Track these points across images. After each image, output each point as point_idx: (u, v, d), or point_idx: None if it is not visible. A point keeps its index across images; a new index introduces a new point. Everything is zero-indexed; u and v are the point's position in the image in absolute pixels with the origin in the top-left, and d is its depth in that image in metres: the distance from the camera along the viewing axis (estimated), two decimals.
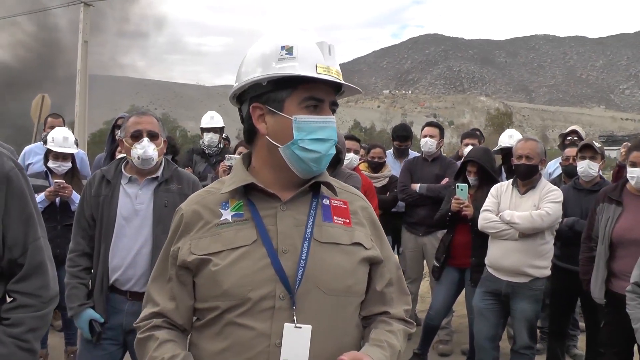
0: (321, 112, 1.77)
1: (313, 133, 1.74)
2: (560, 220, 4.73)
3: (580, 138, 6.83)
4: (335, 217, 1.83)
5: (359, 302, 1.84)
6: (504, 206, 4.67)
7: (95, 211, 3.37)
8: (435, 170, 6.19)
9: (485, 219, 4.68)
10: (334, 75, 1.76)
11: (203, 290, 1.75)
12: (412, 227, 6.26)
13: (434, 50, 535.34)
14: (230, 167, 5.10)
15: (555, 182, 5.78)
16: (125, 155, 3.48)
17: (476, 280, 4.92)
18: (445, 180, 6.05)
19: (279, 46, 1.75)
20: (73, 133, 5.57)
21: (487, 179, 5.15)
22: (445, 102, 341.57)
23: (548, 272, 4.63)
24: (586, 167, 5.08)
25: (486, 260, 4.75)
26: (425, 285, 7.49)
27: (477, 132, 7.58)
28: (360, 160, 6.32)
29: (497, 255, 4.64)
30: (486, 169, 5.14)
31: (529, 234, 4.50)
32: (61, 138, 5.16)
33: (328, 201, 1.85)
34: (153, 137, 3.39)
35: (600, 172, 5.26)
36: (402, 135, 6.96)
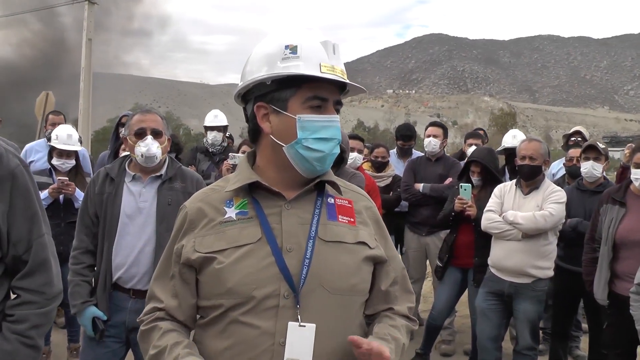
0: (325, 111, 1.77)
1: (317, 132, 1.74)
2: (564, 221, 4.73)
3: (584, 139, 6.82)
4: (339, 216, 1.83)
5: (363, 301, 1.84)
6: (507, 206, 4.66)
7: (99, 209, 3.37)
8: (439, 170, 6.19)
9: (489, 219, 4.67)
10: (339, 74, 1.76)
11: (207, 288, 1.76)
12: (415, 226, 6.25)
13: (437, 50, 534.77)
14: (233, 166, 5.10)
15: (559, 182, 5.77)
16: (129, 153, 3.48)
17: (479, 281, 4.92)
18: (448, 180, 6.04)
19: (283, 45, 1.76)
20: (77, 130, 5.57)
21: (490, 179, 5.14)
22: (449, 102, 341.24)
23: (551, 273, 4.62)
24: (590, 168, 5.07)
25: (489, 261, 4.75)
26: (427, 285, 7.48)
27: (481, 132, 7.57)
28: (363, 159, 6.32)
29: (500, 255, 4.64)
30: (490, 169, 5.13)
31: (532, 235, 4.49)
32: (65, 135, 5.17)
33: (333, 200, 1.86)
34: (157, 135, 3.39)
35: (604, 173, 5.25)
36: (406, 135, 6.95)
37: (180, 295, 1.81)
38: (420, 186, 6.08)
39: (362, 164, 6.21)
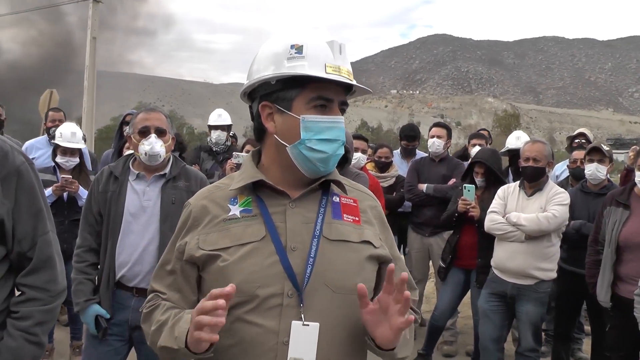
0: (330, 112, 1.76)
1: (321, 133, 1.74)
2: (567, 223, 4.72)
3: (588, 141, 6.80)
4: (344, 215, 1.82)
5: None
6: (511, 208, 4.66)
7: (103, 207, 3.38)
8: (442, 171, 6.19)
9: (492, 221, 4.67)
10: (344, 75, 1.75)
11: (211, 286, 1.75)
12: (418, 227, 6.25)
13: (442, 50, 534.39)
14: (237, 165, 5.11)
15: (563, 184, 5.76)
16: (133, 151, 3.49)
17: (482, 282, 4.92)
18: (452, 181, 6.04)
19: (289, 45, 1.75)
20: (80, 128, 5.58)
21: (494, 181, 5.14)
22: (453, 103, 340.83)
23: (554, 275, 4.62)
24: (594, 170, 5.06)
25: (492, 262, 4.75)
26: (430, 285, 7.48)
27: (486, 133, 7.56)
28: (367, 159, 6.32)
29: (503, 257, 4.64)
30: (493, 170, 5.13)
31: (535, 236, 4.49)
32: (69, 133, 5.18)
33: (338, 199, 1.85)
34: (161, 133, 3.39)
35: (608, 176, 5.24)
36: (410, 135, 6.95)
37: (182, 290, 1.82)
38: (423, 187, 6.08)
39: (366, 164, 6.21)
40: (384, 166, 6.49)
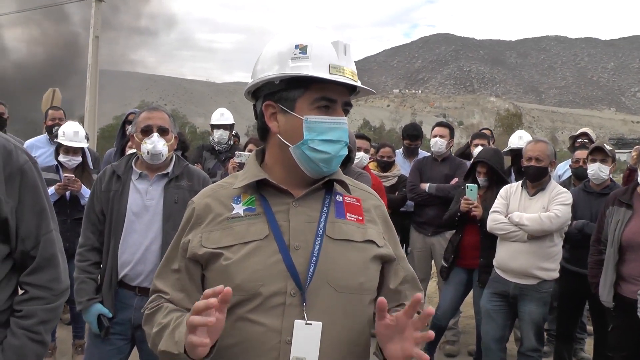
0: (333, 112, 1.76)
1: (323, 134, 1.73)
2: (570, 222, 4.72)
3: (591, 141, 6.80)
4: (348, 214, 1.82)
5: (371, 299, 1.83)
6: (513, 208, 4.66)
7: (105, 206, 3.38)
8: (445, 170, 6.19)
9: (494, 220, 4.66)
10: (348, 76, 1.74)
11: (213, 284, 1.74)
12: (420, 226, 6.25)
13: (444, 50, 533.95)
14: (240, 164, 5.11)
15: (565, 184, 5.76)
16: (135, 150, 3.49)
17: (484, 282, 4.91)
18: (454, 181, 6.04)
19: (293, 44, 1.75)
20: (83, 127, 5.58)
21: (496, 180, 5.14)
22: (455, 102, 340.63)
23: (556, 275, 4.61)
24: (597, 170, 5.06)
25: (494, 262, 4.74)
26: (433, 285, 7.48)
27: (488, 132, 7.55)
28: (369, 159, 6.32)
29: (506, 256, 4.63)
30: (496, 170, 5.13)
31: (537, 236, 4.48)
32: (72, 132, 5.18)
33: (341, 198, 1.85)
34: (163, 132, 3.39)
35: (611, 175, 5.23)
36: (413, 135, 6.94)
37: (185, 289, 1.81)
38: (426, 186, 6.08)
39: (368, 163, 6.21)
40: (386, 165, 6.49)
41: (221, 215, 1.78)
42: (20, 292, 2.09)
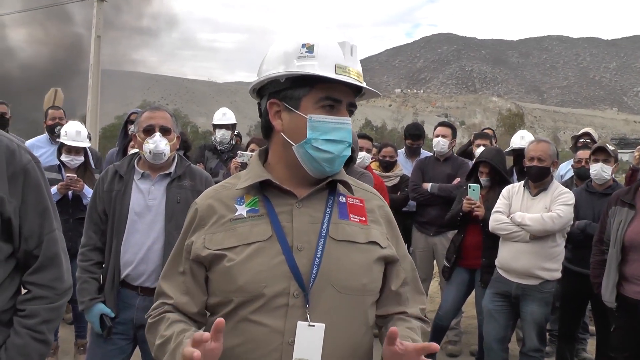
0: (337, 113, 1.76)
1: (327, 133, 1.73)
2: (572, 223, 4.71)
3: (593, 141, 6.79)
4: (351, 215, 1.82)
5: (373, 300, 1.83)
6: (515, 208, 4.65)
7: (108, 206, 3.38)
8: (447, 170, 6.18)
9: (496, 221, 4.66)
10: (354, 76, 1.74)
11: (217, 286, 1.75)
12: (422, 226, 6.25)
13: (446, 49, 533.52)
14: (242, 164, 5.11)
15: (567, 184, 5.75)
16: (137, 150, 3.49)
17: (486, 282, 4.91)
18: (456, 180, 6.04)
19: (300, 43, 1.75)
20: (85, 127, 5.58)
21: (499, 180, 5.13)
22: (457, 102, 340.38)
23: (559, 275, 4.61)
24: (599, 170, 5.05)
25: (496, 262, 4.74)
26: (434, 285, 7.48)
27: (490, 132, 7.54)
28: (371, 159, 6.32)
29: (508, 256, 4.63)
30: (498, 170, 5.13)
31: (539, 236, 4.48)
32: (74, 132, 5.18)
33: (344, 199, 1.85)
34: (165, 132, 3.39)
35: (613, 175, 5.23)
36: (415, 134, 6.94)
37: (190, 292, 1.81)
38: (428, 186, 6.08)
39: (370, 163, 6.21)
40: (388, 165, 6.49)
41: (224, 217, 1.78)
42: (23, 291, 2.10)
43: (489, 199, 5.02)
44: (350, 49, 1.77)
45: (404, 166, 6.69)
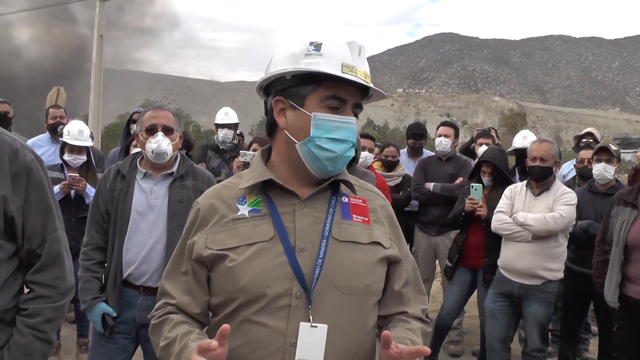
0: (342, 112, 1.75)
1: (331, 132, 1.73)
2: (574, 223, 4.71)
3: (596, 140, 6.78)
4: (354, 215, 1.81)
5: (376, 301, 1.82)
6: (518, 208, 4.65)
7: (110, 205, 3.38)
8: (450, 170, 6.18)
9: (499, 220, 4.66)
10: (360, 77, 1.73)
11: (219, 286, 1.75)
12: (425, 226, 6.25)
13: (448, 49, 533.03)
14: (244, 163, 5.11)
15: (570, 184, 5.74)
16: (140, 150, 3.49)
17: (488, 281, 4.91)
18: (459, 180, 6.03)
19: (308, 42, 1.75)
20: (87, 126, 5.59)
21: (501, 180, 5.13)
22: (459, 102, 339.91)
23: (561, 275, 4.60)
24: (602, 170, 5.04)
25: (499, 262, 4.73)
26: (437, 285, 7.47)
27: (493, 131, 7.54)
28: (374, 158, 6.32)
29: (510, 256, 4.62)
30: (501, 169, 5.12)
31: (542, 236, 4.48)
32: (77, 131, 5.19)
33: (347, 199, 1.84)
34: (168, 131, 3.39)
35: (616, 175, 5.22)
36: (417, 134, 6.94)
37: (192, 291, 1.80)
38: (430, 185, 6.08)
39: (373, 163, 6.21)
40: (390, 165, 6.48)
41: (226, 217, 1.77)
42: (26, 290, 2.10)
43: (492, 199, 5.01)
44: (359, 49, 1.76)
45: (407, 166, 6.69)
